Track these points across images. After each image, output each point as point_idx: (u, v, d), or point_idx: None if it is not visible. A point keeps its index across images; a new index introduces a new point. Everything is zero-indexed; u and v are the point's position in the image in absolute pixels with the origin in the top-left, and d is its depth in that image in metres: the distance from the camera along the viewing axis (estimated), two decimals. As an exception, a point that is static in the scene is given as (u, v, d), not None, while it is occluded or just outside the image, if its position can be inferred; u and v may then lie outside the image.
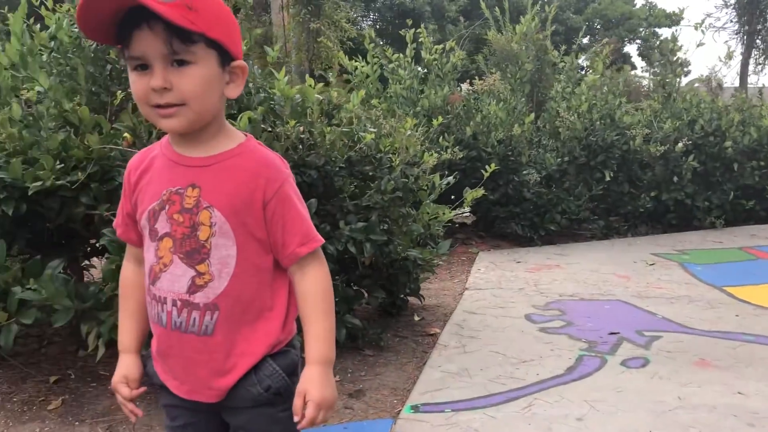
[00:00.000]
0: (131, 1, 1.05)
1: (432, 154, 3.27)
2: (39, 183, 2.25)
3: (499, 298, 4.17)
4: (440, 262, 3.57)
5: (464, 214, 7.46)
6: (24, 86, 2.65)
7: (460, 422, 2.38)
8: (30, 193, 2.28)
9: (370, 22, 23.39)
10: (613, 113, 6.44)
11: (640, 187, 6.55)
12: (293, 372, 1.28)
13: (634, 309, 3.89)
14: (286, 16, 10.53)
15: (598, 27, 27.18)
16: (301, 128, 2.73)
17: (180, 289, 1.21)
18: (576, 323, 3.59)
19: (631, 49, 28.39)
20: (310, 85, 2.78)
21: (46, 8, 2.95)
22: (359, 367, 3.00)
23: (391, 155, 3.09)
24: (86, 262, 3.35)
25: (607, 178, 6.19)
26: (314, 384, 1.21)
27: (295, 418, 1.22)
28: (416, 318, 3.77)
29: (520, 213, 5.98)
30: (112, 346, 2.52)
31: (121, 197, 1.32)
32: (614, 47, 8.47)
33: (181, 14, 1.07)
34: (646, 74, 14.33)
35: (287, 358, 1.28)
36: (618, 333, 3.38)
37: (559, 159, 6.20)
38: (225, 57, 1.18)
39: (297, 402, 1.22)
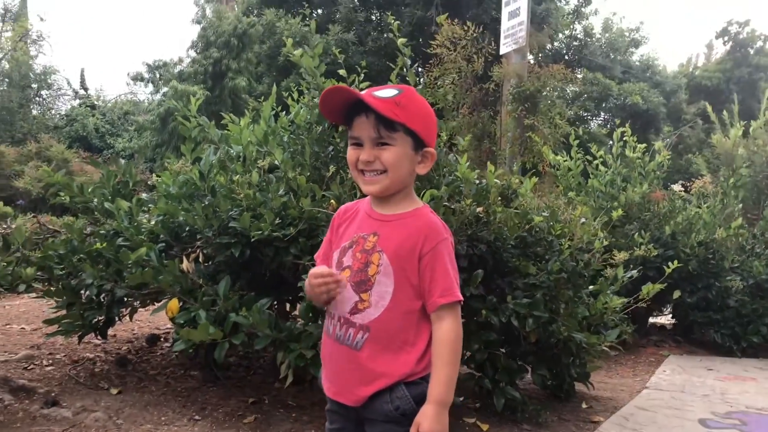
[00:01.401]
0: (355, 97, 1.51)
1: (602, 241, 3.41)
2: (259, 232, 2.84)
3: (678, 401, 4.02)
4: (605, 348, 3.60)
5: (664, 318, 7.16)
6: (263, 159, 3.34)
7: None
8: (252, 240, 2.88)
9: (600, 121, 23.42)
10: (842, 225, 5.91)
11: None
12: (421, 401, 1.53)
13: (832, 434, 3.54)
14: (504, 112, 11.22)
15: None
16: (480, 208, 3.08)
17: (345, 309, 1.58)
18: (755, 436, 3.38)
19: None
20: (491, 171, 3.12)
21: (292, 99, 3.68)
22: (513, 437, 3.15)
23: (562, 239, 3.29)
24: (295, 312, 3.94)
25: (829, 295, 5.64)
26: (427, 419, 1.48)
27: None
28: (584, 405, 3.80)
29: (721, 320, 5.67)
30: (297, 378, 3.00)
31: (327, 234, 1.73)
32: None
33: (389, 108, 1.50)
34: None
35: (418, 388, 1.55)
36: (800, 453, 3.14)
37: (770, 268, 5.80)
38: (419, 143, 1.58)
39: (411, 430, 1.50)
